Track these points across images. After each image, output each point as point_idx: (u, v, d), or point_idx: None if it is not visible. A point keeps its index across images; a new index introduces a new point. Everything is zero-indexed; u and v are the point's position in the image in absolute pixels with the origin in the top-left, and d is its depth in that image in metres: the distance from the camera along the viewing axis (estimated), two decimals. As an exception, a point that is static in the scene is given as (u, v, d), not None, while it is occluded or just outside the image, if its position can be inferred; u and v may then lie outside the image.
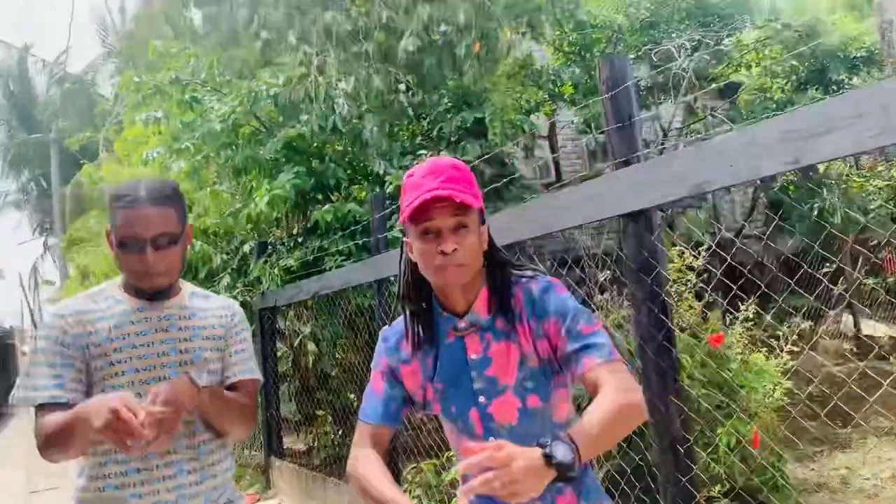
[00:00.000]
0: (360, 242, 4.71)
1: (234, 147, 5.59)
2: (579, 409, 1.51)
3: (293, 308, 6.08)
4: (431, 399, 1.46)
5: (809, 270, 2.72)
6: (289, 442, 7.22)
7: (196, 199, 6.28)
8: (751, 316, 4.88)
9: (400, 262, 1.49)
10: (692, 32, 7.07)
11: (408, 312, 1.47)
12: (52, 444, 1.56)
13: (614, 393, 1.22)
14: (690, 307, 4.88)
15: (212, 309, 1.84)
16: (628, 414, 1.23)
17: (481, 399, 1.39)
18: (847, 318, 10.29)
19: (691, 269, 4.97)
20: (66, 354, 1.64)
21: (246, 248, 6.58)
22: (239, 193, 5.93)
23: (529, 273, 1.45)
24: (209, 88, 5.46)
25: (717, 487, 3.91)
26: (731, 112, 9.02)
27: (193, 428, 1.71)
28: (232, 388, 1.81)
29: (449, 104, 5.44)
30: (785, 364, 4.85)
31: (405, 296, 1.47)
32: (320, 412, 6.46)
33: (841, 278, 9.31)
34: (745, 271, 2.63)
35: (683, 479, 2.23)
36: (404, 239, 1.45)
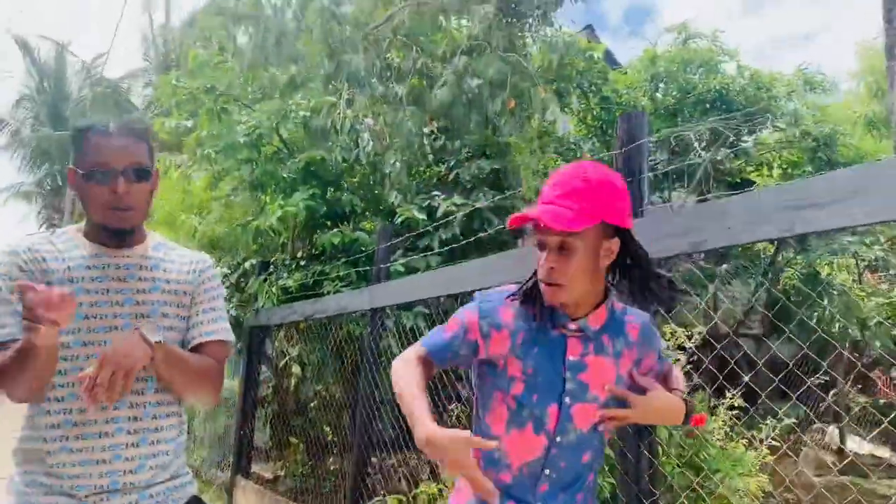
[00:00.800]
0: (361, 270, 4.75)
1: (255, 163, 5.70)
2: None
3: (284, 329, 6.09)
4: (514, 376, 1.46)
5: (800, 375, 2.77)
6: (258, 465, 7.11)
7: (211, 207, 6.37)
8: (736, 405, 4.88)
9: None
10: (713, 123, 7.25)
11: (528, 287, 1.49)
12: (2, 379, 1.48)
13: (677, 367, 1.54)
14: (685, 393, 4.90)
15: (178, 261, 1.76)
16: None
17: (567, 399, 1.43)
18: (833, 430, 10.20)
19: (682, 349, 5.00)
20: (3, 298, 1.55)
21: (248, 265, 6.63)
22: (252, 209, 6.02)
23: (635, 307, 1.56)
24: (240, 103, 5.61)
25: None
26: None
27: (144, 387, 1.62)
28: (197, 349, 1.71)
29: (469, 153, 5.57)
30: (763, 457, 4.82)
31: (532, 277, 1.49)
32: (294, 439, 6.39)
33: (833, 390, 9.29)
34: (735, 365, 2.67)
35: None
36: None
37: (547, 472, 1.44)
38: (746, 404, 4.34)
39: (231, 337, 1.80)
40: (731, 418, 5.09)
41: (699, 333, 4.85)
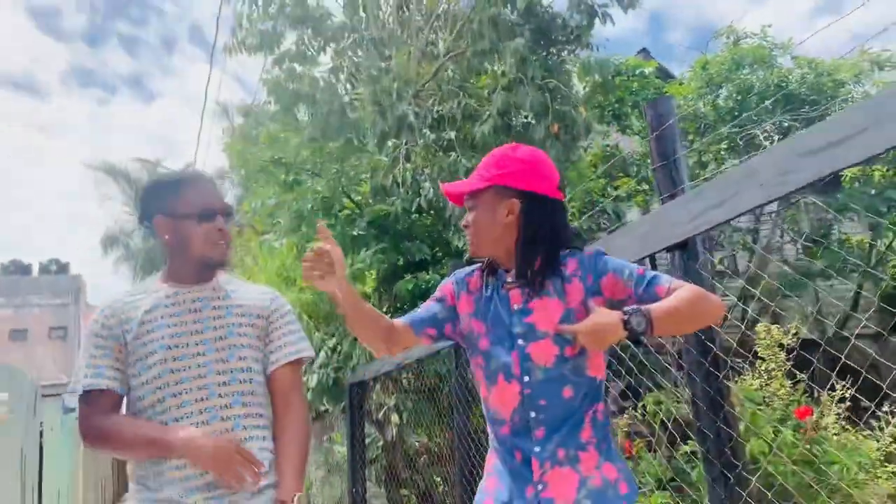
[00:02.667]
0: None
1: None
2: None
3: (380, 382, 6.25)
4: (478, 333, 1.65)
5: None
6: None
7: (298, 277, 6.71)
8: (847, 396, 4.64)
9: None
10: (779, 118, 7.10)
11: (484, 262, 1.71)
12: (104, 442, 1.71)
13: (687, 287, 1.50)
14: (781, 385, 4.71)
15: (248, 291, 1.94)
16: (700, 298, 1.48)
17: (520, 342, 1.57)
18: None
19: (781, 346, 4.84)
20: (102, 346, 1.76)
21: (343, 327, 6.89)
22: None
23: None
24: (308, 171, 5.97)
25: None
26: (829, 199, 8.80)
27: (230, 402, 1.78)
28: (282, 368, 1.87)
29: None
30: (887, 447, 4.54)
31: None
32: (405, 491, 6.47)
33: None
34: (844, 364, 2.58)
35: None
36: None
37: (532, 414, 1.54)
38: (866, 401, 4.09)
39: (311, 352, 1.97)
40: (844, 411, 4.86)
41: (794, 335, 4.70)
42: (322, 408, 7.69)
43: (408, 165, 5.49)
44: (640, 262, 2.86)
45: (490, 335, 1.62)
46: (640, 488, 1.65)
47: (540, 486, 1.52)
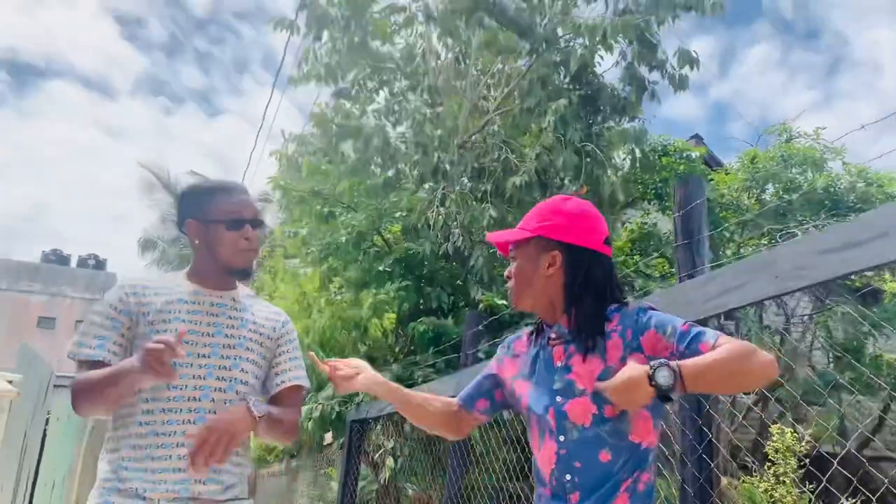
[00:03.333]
0: (449, 358, 4.87)
1: (359, 262, 6.08)
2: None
3: (381, 422, 6.20)
4: (520, 393, 1.65)
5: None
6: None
7: (321, 307, 6.77)
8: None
9: None
10: (822, 221, 7.02)
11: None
12: (84, 395, 1.70)
13: (733, 342, 1.39)
14: (788, 492, 4.56)
15: (263, 309, 2.01)
16: (746, 354, 1.35)
17: (558, 398, 1.54)
18: None
19: (792, 452, 4.69)
20: (115, 319, 1.80)
21: (356, 363, 6.88)
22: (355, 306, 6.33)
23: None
24: (344, 205, 6.08)
25: None
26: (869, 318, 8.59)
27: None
28: (281, 392, 1.92)
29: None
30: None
31: None
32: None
33: None
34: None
35: None
36: None
37: (567, 476, 1.49)
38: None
39: (308, 383, 2.03)
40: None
41: (807, 441, 4.56)
42: (324, 441, 7.64)
43: (441, 209, 5.54)
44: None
45: (532, 393, 1.61)
46: None
47: None
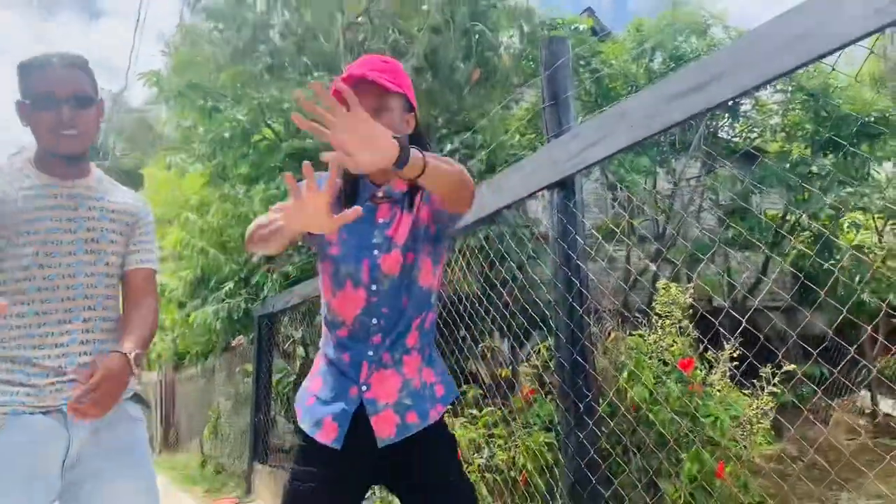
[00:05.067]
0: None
1: (247, 156, 5.90)
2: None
3: (288, 314, 6.26)
4: (332, 241, 1.63)
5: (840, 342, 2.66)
6: (279, 455, 7.28)
7: (210, 203, 6.59)
8: (735, 356, 4.86)
9: None
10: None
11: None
12: None
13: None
14: (674, 342, 4.91)
15: (121, 195, 1.92)
16: (466, 175, 1.48)
17: (375, 252, 1.58)
18: (865, 395, 10.02)
19: (676, 304, 5.02)
20: None
21: (254, 258, 6.83)
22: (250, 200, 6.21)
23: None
24: (229, 98, 5.82)
25: (677, 512, 3.87)
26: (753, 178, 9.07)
27: (94, 303, 1.78)
28: (132, 274, 1.87)
29: (448, 129, 5.68)
30: (766, 404, 4.79)
31: None
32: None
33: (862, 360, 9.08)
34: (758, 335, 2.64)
35: None
36: None
37: (374, 321, 1.58)
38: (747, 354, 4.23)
39: (157, 266, 1.96)
40: (731, 370, 5.09)
41: (690, 293, 4.86)
42: (231, 340, 7.66)
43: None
44: (528, 198, 2.93)
45: (344, 244, 1.61)
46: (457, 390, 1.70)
47: (364, 387, 1.57)
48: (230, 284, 6.68)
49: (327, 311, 1.67)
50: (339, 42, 5.81)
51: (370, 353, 1.58)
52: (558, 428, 4.01)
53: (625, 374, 4.30)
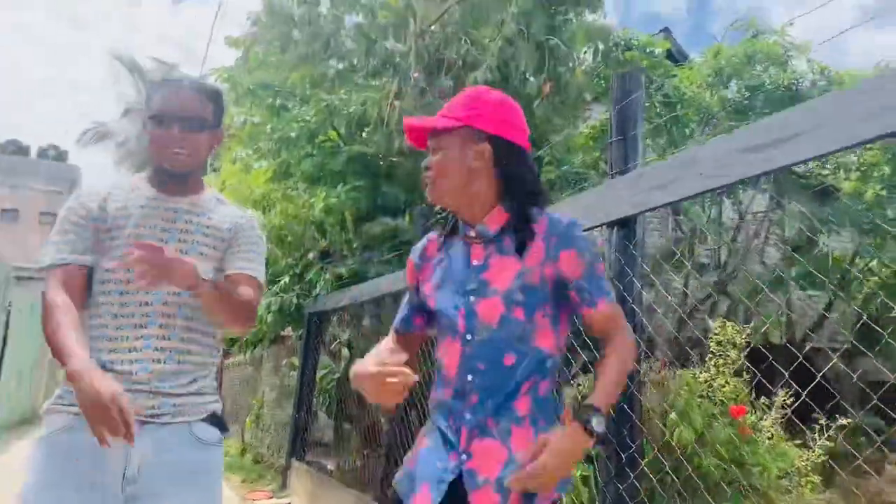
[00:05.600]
0: (402, 254, 4.91)
1: (311, 157, 5.97)
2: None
3: (337, 314, 6.31)
4: (429, 295, 1.57)
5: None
6: (318, 450, 7.36)
7: (273, 201, 6.70)
8: (788, 403, 4.68)
9: None
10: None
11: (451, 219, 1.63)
12: (44, 321, 1.67)
13: (626, 347, 1.47)
14: (727, 382, 4.76)
15: (226, 212, 1.92)
16: (630, 357, 1.48)
17: (471, 298, 1.47)
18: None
19: (733, 344, 4.86)
20: (76, 223, 1.77)
21: (310, 255, 6.92)
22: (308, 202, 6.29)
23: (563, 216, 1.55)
24: (297, 98, 5.91)
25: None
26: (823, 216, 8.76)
27: (175, 311, 1.76)
28: (228, 279, 1.84)
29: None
30: (818, 458, 4.60)
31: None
32: (347, 425, 6.58)
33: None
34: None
35: None
36: None
37: (470, 377, 1.45)
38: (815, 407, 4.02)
39: (263, 279, 1.94)
40: (783, 417, 4.91)
41: (748, 333, 4.70)
42: (281, 332, 7.76)
43: (396, 103, 5.41)
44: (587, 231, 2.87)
45: (442, 293, 1.53)
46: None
47: (464, 456, 1.43)
48: (285, 279, 6.78)
49: (438, 368, 1.56)
50: (411, 48, 5.82)
51: (467, 415, 1.44)
52: (596, 463, 3.93)
53: (672, 415, 4.20)
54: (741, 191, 8.55)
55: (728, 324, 4.99)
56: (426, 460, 1.48)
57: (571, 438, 1.34)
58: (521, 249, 1.46)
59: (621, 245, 2.50)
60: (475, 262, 1.50)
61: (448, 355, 1.50)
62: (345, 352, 5.92)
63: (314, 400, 6.94)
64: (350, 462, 6.51)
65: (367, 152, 5.31)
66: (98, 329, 1.73)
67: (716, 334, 4.97)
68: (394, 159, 5.68)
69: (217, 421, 1.84)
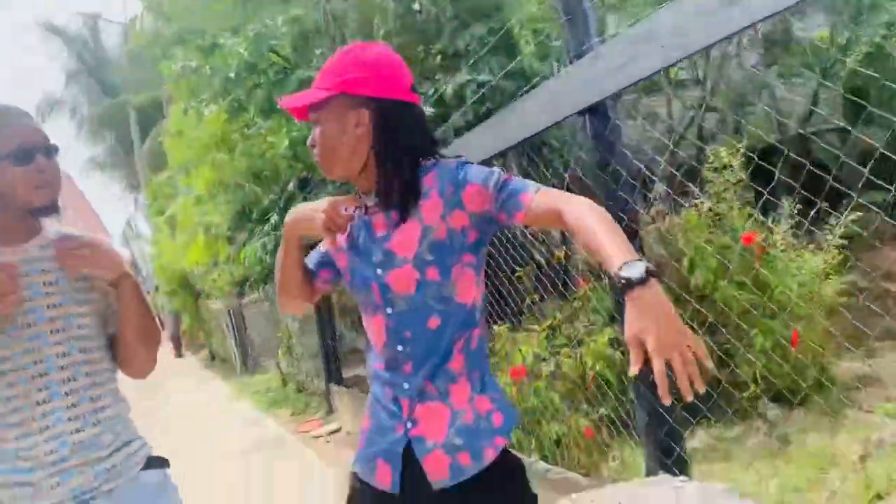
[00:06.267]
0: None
1: (258, 87, 5.69)
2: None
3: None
4: (344, 268, 1.53)
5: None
6: (352, 360, 7.53)
7: (233, 142, 6.48)
8: (795, 212, 4.64)
9: None
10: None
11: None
12: None
13: (547, 192, 1.32)
14: (731, 208, 4.69)
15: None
16: (608, 216, 1.24)
17: (379, 271, 1.43)
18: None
19: (728, 167, 4.75)
20: None
21: (290, 186, 6.76)
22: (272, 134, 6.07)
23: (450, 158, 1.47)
24: (229, 31, 5.53)
25: (753, 388, 3.84)
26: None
27: (74, 373, 1.58)
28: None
29: (461, 19, 5.29)
30: (833, 259, 4.61)
31: None
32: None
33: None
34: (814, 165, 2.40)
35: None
36: None
37: (399, 348, 1.44)
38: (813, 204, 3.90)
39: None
40: (792, 227, 4.88)
41: (740, 151, 4.58)
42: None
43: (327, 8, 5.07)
44: (554, 126, 2.72)
45: (355, 268, 1.49)
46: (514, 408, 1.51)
47: (409, 424, 1.43)
48: (274, 216, 6.68)
49: (368, 342, 1.54)
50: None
51: (405, 385, 1.43)
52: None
53: (685, 262, 4.18)
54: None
55: (721, 149, 4.86)
56: (372, 439, 1.49)
57: (644, 301, 1.09)
58: (408, 210, 1.40)
59: (597, 134, 2.37)
60: (379, 234, 1.44)
61: (374, 329, 1.48)
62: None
63: (336, 324, 7.02)
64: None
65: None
66: None
67: (710, 162, 4.86)
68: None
69: (160, 462, 1.73)
